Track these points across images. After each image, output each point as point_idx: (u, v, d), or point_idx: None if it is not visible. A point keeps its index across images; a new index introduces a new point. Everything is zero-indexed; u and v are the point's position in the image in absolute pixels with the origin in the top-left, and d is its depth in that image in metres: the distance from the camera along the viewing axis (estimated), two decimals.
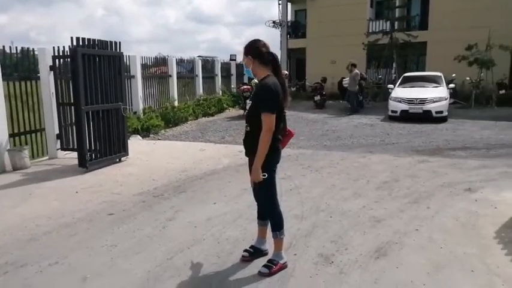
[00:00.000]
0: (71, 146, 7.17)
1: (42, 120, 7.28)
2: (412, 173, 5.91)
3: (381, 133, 9.87)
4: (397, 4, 18.36)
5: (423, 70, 17.99)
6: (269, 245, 3.24)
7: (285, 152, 7.62)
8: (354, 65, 14.27)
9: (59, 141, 7.19)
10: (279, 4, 20.43)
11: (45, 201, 4.90)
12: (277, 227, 3.05)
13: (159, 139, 9.68)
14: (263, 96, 2.74)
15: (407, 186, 5.19)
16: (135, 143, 8.65)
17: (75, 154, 6.72)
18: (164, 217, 4.25)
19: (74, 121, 6.92)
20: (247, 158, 3.08)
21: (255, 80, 14.23)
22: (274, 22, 20.24)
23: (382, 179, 5.58)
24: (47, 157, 7.27)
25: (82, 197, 5.03)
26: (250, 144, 2.89)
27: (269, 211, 3.11)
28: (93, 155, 6.40)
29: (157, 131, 10.47)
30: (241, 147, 8.81)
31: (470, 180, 5.46)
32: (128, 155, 7.10)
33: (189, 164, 6.68)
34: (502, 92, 15.56)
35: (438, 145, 8.20)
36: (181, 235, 3.77)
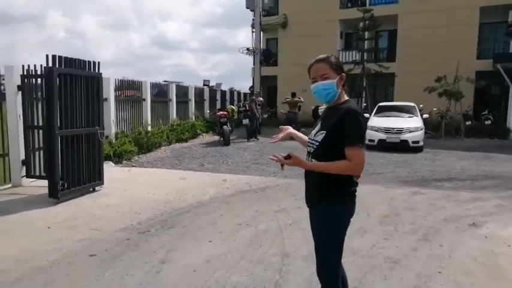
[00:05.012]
0: (38, 173, 6.48)
1: (6, 145, 6.57)
2: (410, 205, 5.69)
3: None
4: (366, 36, 18.86)
5: (391, 100, 18.39)
6: None
7: (274, 181, 7.32)
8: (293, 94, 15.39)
9: (24, 167, 6.48)
10: (253, 32, 20.51)
11: (11, 239, 4.24)
12: None
13: (133, 166, 9.06)
14: (354, 126, 2.09)
15: (411, 221, 4.94)
16: (108, 170, 7.97)
17: (42, 182, 6.07)
18: (156, 259, 3.72)
19: (42, 146, 6.29)
20: (308, 209, 2.40)
21: (231, 106, 13.95)
22: (248, 49, 20.23)
23: (382, 213, 5.32)
24: (9, 185, 6.52)
25: (56, 233, 4.40)
26: (323, 191, 2.20)
27: (326, 275, 2.32)
28: (65, 184, 5.76)
29: (130, 157, 9.84)
30: (226, 176, 8.31)
31: (470, 214, 5.30)
32: (103, 183, 6.50)
33: (172, 195, 6.16)
34: (468, 123, 16.10)
35: (423, 176, 8.11)
36: (181, 282, 3.27)
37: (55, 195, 5.53)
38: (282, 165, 2.23)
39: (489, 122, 16.35)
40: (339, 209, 2.20)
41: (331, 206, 2.18)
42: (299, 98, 15.32)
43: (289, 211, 5.31)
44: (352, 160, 2.05)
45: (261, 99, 16.48)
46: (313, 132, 2.27)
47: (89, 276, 3.37)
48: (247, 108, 15.13)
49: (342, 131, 2.09)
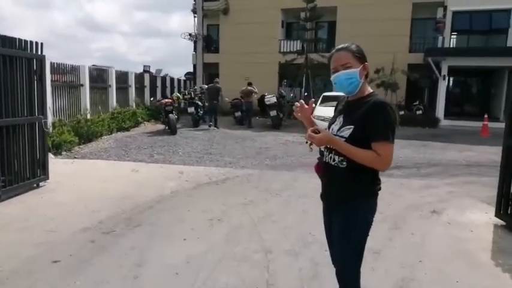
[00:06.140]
0: None
1: None
2: None
3: (315, 151, 9.85)
4: (308, 27, 19.13)
5: (330, 90, 18.93)
6: None
7: (232, 172, 7.14)
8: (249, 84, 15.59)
9: None
10: (195, 17, 19.88)
11: None
12: None
13: (75, 157, 8.35)
14: (384, 119, 1.95)
15: (380, 210, 5.04)
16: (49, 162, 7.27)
17: None
18: (130, 262, 3.40)
19: None
20: (323, 207, 2.27)
21: (177, 93, 13.42)
22: (190, 35, 19.59)
23: None
24: None
25: (6, 237, 3.88)
26: (346, 188, 2.07)
27: (348, 277, 2.19)
28: (6, 180, 5.10)
29: (70, 147, 9.07)
30: (181, 167, 7.96)
31: (427, 201, 5.54)
32: (48, 178, 5.88)
33: (129, 189, 5.74)
34: (402, 113, 17.07)
35: None
36: (165, 287, 3.01)
37: None
38: (311, 144, 2.07)
39: (420, 112, 17.47)
40: (364, 207, 2.09)
41: (356, 204, 2.07)
42: (253, 88, 15.21)
43: (258, 203, 5.18)
44: (381, 155, 1.93)
45: (205, 86, 16.10)
46: (335, 127, 2.11)
47: (56, 286, 2.98)
48: (193, 96, 14.76)
49: (372, 125, 1.96)
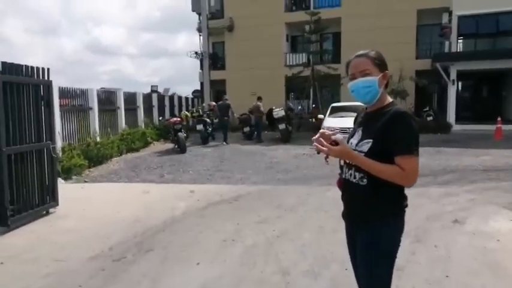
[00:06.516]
0: None
1: None
2: None
3: (334, 164, 9.70)
4: (313, 39, 19.15)
5: (339, 101, 18.83)
6: None
7: (244, 189, 7.00)
8: (259, 98, 15.47)
9: None
10: (200, 35, 20.08)
11: None
12: None
13: (85, 181, 8.30)
14: (406, 131, 1.82)
15: None
16: (58, 188, 7.22)
17: None
18: None
19: None
20: (346, 226, 2.15)
21: (185, 112, 13.46)
22: (196, 53, 19.73)
23: None
24: None
25: (12, 269, 3.77)
26: (370, 207, 1.92)
27: None
28: (15, 209, 5.03)
29: (80, 171, 9.03)
30: (192, 186, 7.79)
31: (448, 210, 5.35)
32: (58, 204, 5.81)
33: (139, 212, 5.63)
34: None
35: None
36: None
37: (4, 222, 4.80)
38: (327, 157, 1.92)
39: (431, 118, 17.20)
40: (390, 227, 1.93)
41: (381, 224, 1.92)
42: (260, 104, 15.21)
43: (272, 221, 5.03)
44: (405, 170, 1.79)
45: (214, 103, 16.10)
46: (354, 141, 1.97)
47: None
48: (201, 113, 14.78)
49: (392, 138, 1.82)
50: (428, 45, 19.82)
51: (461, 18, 18.19)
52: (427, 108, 17.70)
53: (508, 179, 7.26)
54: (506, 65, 16.69)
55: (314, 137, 1.92)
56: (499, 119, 14.29)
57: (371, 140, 1.87)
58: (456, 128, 16.55)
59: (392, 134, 1.82)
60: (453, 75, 17.14)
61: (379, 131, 1.86)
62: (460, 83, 19.61)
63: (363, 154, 1.87)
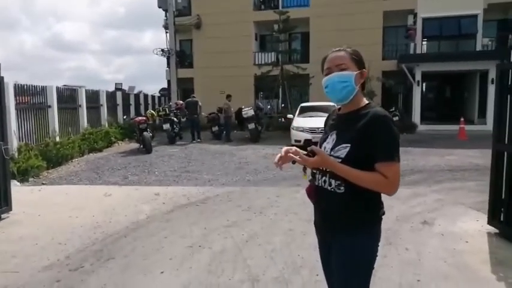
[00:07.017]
0: None
1: None
2: None
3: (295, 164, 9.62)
4: (282, 38, 19.09)
5: (307, 100, 18.88)
6: None
7: (212, 191, 6.78)
8: (228, 96, 15.30)
9: None
10: (167, 33, 19.58)
11: None
12: None
13: (43, 184, 7.83)
14: (388, 136, 1.68)
15: None
16: (13, 191, 6.72)
17: None
18: None
19: None
20: (318, 237, 2.01)
21: (151, 111, 13.06)
22: (162, 50, 19.22)
23: None
24: None
25: None
26: (347, 217, 1.78)
27: None
28: None
29: (38, 173, 8.53)
30: (157, 188, 7.55)
31: (417, 211, 5.36)
32: (11, 209, 5.40)
33: (100, 217, 5.31)
34: None
35: None
36: None
37: None
38: (305, 169, 1.80)
39: (397, 118, 17.51)
40: (369, 237, 1.80)
41: (360, 234, 1.78)
42: (228, 102, 15.03)
43: (241, 225, 4.85)
44: (388, 177, 1.66)
45: (181, 102, 15.74)
46: (328, 146, 1.81)
47: None
48: (168, 112, 14.39)
49: (373, 143, 1.68)
50: (394, 46, 20.20)
51: (425, 20, 18.66)
52: (393, 109, 18.00)
53: (473, 178, 7.40)
54: (468, 66, 17.22)
55: (276, 160, 1.82)
56: (462, 119, 14.73)
57: (349, 145, 1.73)
58: (421, 128, 16.95)
59: (374, 139, 1.69)
60: (418, 76, 17.54)
61: (358, 135, 1.72)
62: (424, 84, 20.14)
63: (340, 160, 1.72)
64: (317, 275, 3.41)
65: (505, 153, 4.28)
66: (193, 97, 14.95)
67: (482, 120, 17.28)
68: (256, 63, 21.14)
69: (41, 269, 3.69)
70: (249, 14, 21.62)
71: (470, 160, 9.36)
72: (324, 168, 1.79)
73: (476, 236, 4.36)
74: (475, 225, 4.69)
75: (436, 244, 4.14)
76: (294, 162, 1.80)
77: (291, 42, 20.41)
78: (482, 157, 9.36)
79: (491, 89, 15.72)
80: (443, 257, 3.80)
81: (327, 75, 1.83)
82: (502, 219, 4.37)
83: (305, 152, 1.82)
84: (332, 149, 1.78)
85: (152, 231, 4.70)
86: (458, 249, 3.98)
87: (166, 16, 21.30)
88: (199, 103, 14.68)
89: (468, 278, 3.35)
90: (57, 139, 10.58)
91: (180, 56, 22.01)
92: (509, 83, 4.22)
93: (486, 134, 13.32)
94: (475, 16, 17.99)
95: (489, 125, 15.60)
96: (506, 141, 4.25)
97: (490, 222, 4.53)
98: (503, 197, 4.32)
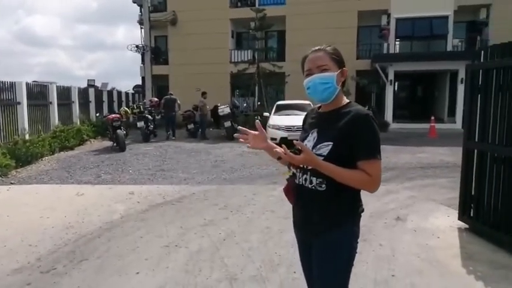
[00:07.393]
0: None
1: None
2: None
3: (270, 161, 9.63)
4: (258, 36, 19.10)
5: (283, 99, 18.97)
6: None
7: (188, 189, 6.71)
8: (203, 93, 15.12)
9: None
10: (141, 28, 19.24)
11: None
12: None
13: (12, 183, 7.55)
14: (370, 134, 1.71)
15: None
16: None
17: None
18: None
19: None
20: (298, 236, 2.01)
21: (124, 108, 12.83)
22: (137, 46, 18.88)
23: None
24: None
25: None
26: (328, 215, 1.79)
27: None
28: None
29: (6, 172, 8.22)
30: (132, 187, 7.44)
31: (390, 207, 5.47)
32: None
33: (72, 217, 5.16)
34: None
35: None
36: None
37: None
38: (290, 166, 1.80)
39: None
40: (350, 234, 1.82)
41: (341, 232, 1.79)
42: (203, 100, 14.92)
43: (218, 223, 4.83)
44: (371, 175, 1.68)
45: (156, 99, 15.52)
46: (309, 144, 1.81)
47: None
48: (143, 109, 14.15)
49: (356, 141, 1.70)
50: (368, 46, 20.53)
51: (398, 20, 19.04)
52: (367, 107, 18.28)
53: (443, 175, 7.61)
54: (438, 66, 17.70)
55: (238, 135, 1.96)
56: (432, 118, 15.13)
57: (331, 143, 1.74)
58: (393, 126, 17.30)
59: (356, 137, 1.70)
60: (391, 75, 17.90)
61: (340, 134, 1.73)
62: (397, 83, 20.56)
63: (322, 158, 1.73)
64: (294, 272, 3.43)
65: (475, 150, 4.42)
66: (171, 94, 14.83)
67: (451, 118, 17.80)
68: (233, 60, 21.09)
69: (10, 272, 3.55)
70: (226, 11, 21.53)
71: (441, 158, 9.63)
72: (306, 166, 1.79)
73: (448, 232, 4.49)
74: (446, 221, 4.82)
75: (409, 240, 4.24)
76: (279, 158, 1.80)
77: (267, 40, 20.44)
78: (452, 155, 9.67)
79: (461, 89, 16.25)
80: (417, 252, 3.89)
81: (307, 76, 1.83)
82: (471, 214, 4.51)
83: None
84: (314, 147, 1.78)
85: (127, 231, 4.61)
86: (430, 245, 4.08)
87: (141, 11, 20.92)
88: (178, 101, 14.56)
89: (440, 273, 3.44)
90: (27, 137, 10.23)
91: (155, 52, 21.70)
92: (480, 83, 4.35)
93: (455, 132, 13.84)
94: (446, 17, 18.50)
95: (458, 124, 16.16)
96: (476, 139, 4.38)
97: (460, 218, 4.67)
98: (473, 193, 4.46)
